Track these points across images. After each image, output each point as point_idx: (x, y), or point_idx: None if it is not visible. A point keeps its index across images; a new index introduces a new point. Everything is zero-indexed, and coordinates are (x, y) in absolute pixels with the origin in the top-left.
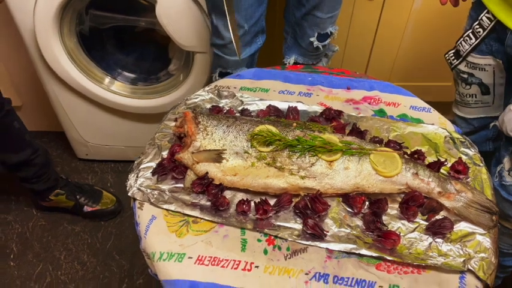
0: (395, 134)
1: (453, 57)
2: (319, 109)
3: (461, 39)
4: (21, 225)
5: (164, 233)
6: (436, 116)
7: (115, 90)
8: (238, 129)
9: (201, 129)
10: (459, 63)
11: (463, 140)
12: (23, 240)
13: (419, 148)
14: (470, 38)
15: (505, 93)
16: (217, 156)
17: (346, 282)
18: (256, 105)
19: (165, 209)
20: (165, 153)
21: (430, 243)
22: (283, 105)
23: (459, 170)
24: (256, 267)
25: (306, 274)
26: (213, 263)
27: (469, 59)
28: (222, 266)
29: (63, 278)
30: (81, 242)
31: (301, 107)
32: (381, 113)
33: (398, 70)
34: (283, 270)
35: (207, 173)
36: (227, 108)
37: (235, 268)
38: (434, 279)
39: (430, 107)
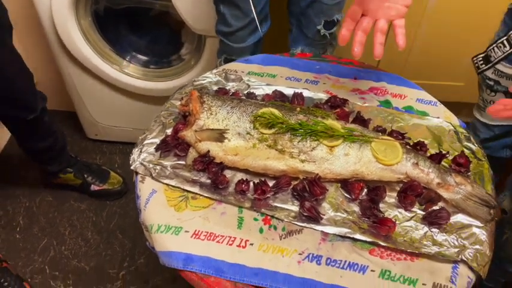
0: (399, 125)
1: (482, 62)
2: (324, 97)
3: (494, 45)
4: (28, 199)
5: (163, 207)
6: (442, 109)
7: (128, 72)
8: (242, 110)
9: (206, 109)
10: (487, 69)
11: (467, 134)
12: (30, 214)
13: (422, 140)
14: (505, 46)
15: None
16: (220, 135)
17: (338, 264)
18: (263, 89)
19: (166, 184)
20: (169, 131)
21: (426, 232)
22: (289, 91)
23: (461, 163)
24: (251, 244)
25: (300, 254)
26: (209, 238)
27: (498, 66)
28: (218, 242)
29: (67, 253)
30: (86, 219)
31: (306, 93)
32: (386, 103)
33: (410, 67)
34: (277, 249)
35: (208, 151)
36: (233, 91)
37: (230, 244)
38: (426, 267)
39: (436, 100)
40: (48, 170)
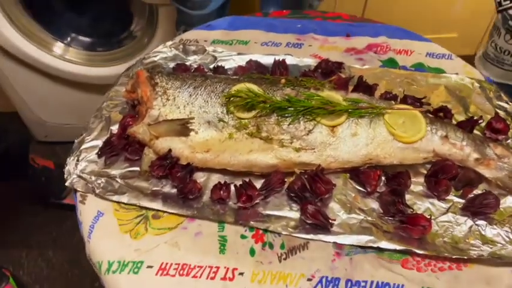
0: (412, 88)
1: None
2: (312, 62)
3: None
4: None
5: (114, 235)
6: (459, 63)
7: (69, 58)
8: (209, 90)
9: (160, 93)
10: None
11: (496, 91)
12: None
13: (443, 104)
14: None
15: None
16: (183, 127)
17: (363, 287)
18: (234, 61)
19: (116, 202)
20: (115, 128)
21: (470, 227)
22: (267, 60)
23: (498, 128)
24: (241, 274)
25: (309, 280)
26: (181, 272)
27: None
28: (194, 276)
29: (26, 278)
30: (45, 236)
31: (290, 60)
32: (391, 63)
33: (397, 18)
34: (278, 277)
35: (170, 150)
36: (195, 67)
37: (212, 278)
38: (480, 276)
39: (450, 53)
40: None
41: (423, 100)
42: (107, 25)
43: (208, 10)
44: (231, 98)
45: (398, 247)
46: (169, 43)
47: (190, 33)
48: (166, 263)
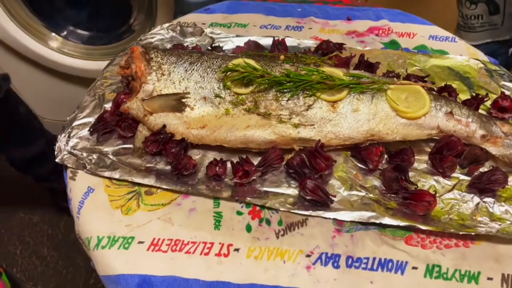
0: (415, 69)
1: None
2: (313, 44)
3: None
4: None
5: (104, 210)
6: (463, 46)
7: (66, 51)
8: (205, 66)
9: (154, 68)
10: None
11: (502, 72)
12: None
13: (448, 83)
14: None
15: None
16: (178, 102)
17: (365, 264)
18: (232, 42)
19: (107, 178)
20: (108, 106)
21: (477, 204)
22: (266, 41)
23: (504, 107)
24: (236, 250)
25: (308, 256)
26: (174, 248)
27: None
28: (187, 252)
29: (19, 275)
30: (40, 233)
31: (290, 42)
32: (392, 45)
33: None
34: (275, 253)
35: (164, 126)
36: (192, 47)
37: (206, 253)
38: (488, 253)
39: (454, 35)
40: (55, 189)
41: (426, 79)
42: (106, 19)
43: None
44: (228, 73)
45: (401, 223)
46: (166, 25)
47: (188, 16)
48: (159, 239)
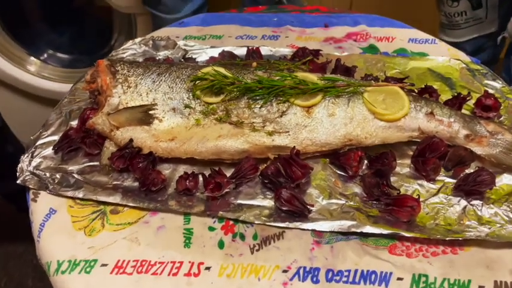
0: (394, 72)
1: None
2: (289, 52)
3: None
4: None
5: (66, 232)
6: (443, 47)
7: (46, 75)
8: (174, 76)
9: (120, 81)
10: None
11: (484, 71)
12: None
13: (428, 84)
14: None
15: (499, 2)
16: (145, 114)
17: (346, 277)
18: (206, 53)
19: (70, 198)
20: (75, 123)
21: (465, 207)
22: (241, 51)
23: (488, 105)
24: (207, 268)
25: (285, 272)
26: (139, 269)
27: None
28: (154, 273)
29: None
30: (25, 264)
31: (265, 51)
32: (371, 49)
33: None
34: (249, 270)
35: (131, 140)
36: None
37: (175, 274)
38: (478, 260)
39: (434, 38)
40: None
41: (406, 80)
42: (87, 42)
43: (182, 14)
44: (197, 82)
45: (384, 231)
46: (138, 39)
47: (162, 30)
48: (123, 260)
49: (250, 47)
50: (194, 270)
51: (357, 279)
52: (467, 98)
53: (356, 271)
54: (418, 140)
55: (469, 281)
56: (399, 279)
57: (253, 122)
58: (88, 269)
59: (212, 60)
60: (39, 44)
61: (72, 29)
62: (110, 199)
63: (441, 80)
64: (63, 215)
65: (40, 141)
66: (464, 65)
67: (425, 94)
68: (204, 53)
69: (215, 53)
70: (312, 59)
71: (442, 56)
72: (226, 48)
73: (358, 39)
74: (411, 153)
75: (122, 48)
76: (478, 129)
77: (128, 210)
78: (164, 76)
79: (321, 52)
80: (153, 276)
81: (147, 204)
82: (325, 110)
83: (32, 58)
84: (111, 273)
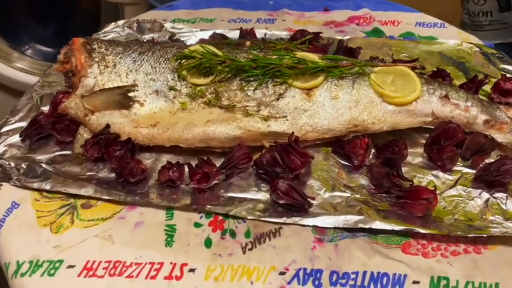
0: (402, 56)
1: None
2: (286, 35)
3: None
4: None
5: (29, 229)
6: (453, 31)
7: (30, 70)
8: (158, 55)
9: (97, 60)
10: None
11: (500, 55)
12: None
13: (440, 68)
14: None
15: None
16: (123, 97)
17: (353, 280)
18: (195, 36)
19: (36, 190)
20: (47, 109)
21: (487, 200)
22: (234, 34)
23: (507, 90)
24: (191, 270)
25: (282, 274)
26: (112, 272)
27: None
28: (129, 276)
29: None
30: None
31: (260, 34)
32: (375, 33)
33: None
34: (241, 272)
35: (107, 125)
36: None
37: (153, 277)
38: (505, 259)
39: (443, 21)
40: None
41: (416, 62)
42: (72, 35)
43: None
44: (183, 61)
45: (396, 227)
46: (121, 22)
47: (149, 13)
48: (94, 261)
49: (243, 29)
50: (176, 273)
51: (365, 283)
52: (485, 81)
53: (365, 273)
54: (431, 127)
55: (497, 284)
56: (415, 282)
57: (247, 106)
58: (52, 271)
59: (202, 43)
60: (22, 36)
61: (57, 21)
62: (82, 191)
63: (453, 65)
64: (27, 209)
65: (6, 128)
66: (477, 49)
67: (437, 79)
68: (193, 36)
69: (205, 36)
70: (312, 41)
71: (453, 40)
72: (218, 31)
73: (361, 23)
74: (423, 141)
75: (103, 31)
76: (498, 114)
77: (102, 204)
78: (146, 55)
79: (321, 35)
80: (128, 279)
81: (124, 197)
82: (327, 93)
83: (14, 51)
84: (78, 275)
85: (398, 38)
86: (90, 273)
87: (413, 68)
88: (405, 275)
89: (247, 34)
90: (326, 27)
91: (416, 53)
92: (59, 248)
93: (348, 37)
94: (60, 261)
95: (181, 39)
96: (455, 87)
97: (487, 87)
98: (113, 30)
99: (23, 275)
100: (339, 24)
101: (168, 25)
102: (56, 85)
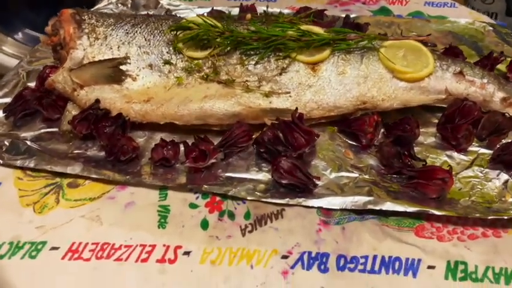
0: (412, 35)
1: None
2: (289, 12)
3: None
4: None
5: (10, 209)
6: (464, 11)
7: (14, 53)
8: (152, 27)
9: (86, 31)
10: None
11: None
12: None
13: (452, 45)
14: None
15: None
16: (114, 70)
17: (362, 265)
18: (193, 13)
19: (19, 168)
20: (33, 85)
21: (506, 182)
22: (233, 12)
23: None
24: (186, 253)
25: (284, 257)
26: (99, 254)
27: None
28: (118, 259)
29: None
30: None
31: (261, 11)
32: (383, 12)
33: None
34: (240, 255)
35: (97, 101)
36: None
37: (144, 260)
38: None
39: (453, 1)
40: None
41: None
42: None
43: None
44: (179, 33)
45: (409, 209)
46: None
47: None
48: (80, 243)
49: (243, 4)
50: (169, 256)
51: (376, 268)
52: (501, 59)
53: (375, 257)
54: (444, 106)
55: None
56: (430, 267)
57: (247, 81)
58: (33, 253)
59: None
60: (14, 21)
61: (50, 6)
62: (68, 170)
63: (465, 44)
64: (9, 188)
65: None
66: (490, 28)
67: (450, 54)
68: (191, 13)
69: (203, 11)
70: (316, 18)
71: (465, 19)
72: (217, 8)
73: (367, 2)
74: (435, 121)
75: (95, 7)
76: None
77: (90, 183)
78: (140, 27)
79: (324, 12)
80: (116, 262)
81: (113, 176)
82: (333, 68)
83: (6, 37)
84: (62, 258)
85: (407, 17)
86: (76, 255)
87: (424, 44)
88: (419, 260)
89: (247, 9)
90: (331, 5)
91: (427, 32)
92: (42, 229)
93: (354, 15)
94: (43, 243)
95: (178, 14)
96: (470, 63)
97: (502, 67)
98: (106, 7)
99: (1, 257)
100: (344, 3)
101: (164, 1)
102: (45, 60)
